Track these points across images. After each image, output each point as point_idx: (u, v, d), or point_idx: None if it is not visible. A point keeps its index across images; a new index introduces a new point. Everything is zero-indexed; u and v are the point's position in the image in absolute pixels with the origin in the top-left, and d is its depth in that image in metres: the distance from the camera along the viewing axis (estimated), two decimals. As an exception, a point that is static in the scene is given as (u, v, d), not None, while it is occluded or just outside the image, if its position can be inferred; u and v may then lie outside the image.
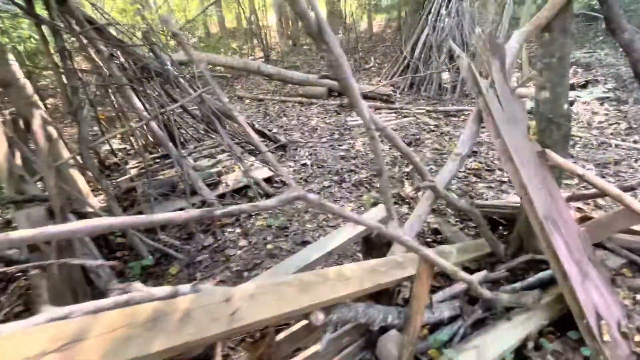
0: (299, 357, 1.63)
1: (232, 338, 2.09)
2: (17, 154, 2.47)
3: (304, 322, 1.55)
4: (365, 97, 7.51)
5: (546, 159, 2.16)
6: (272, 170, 4.38)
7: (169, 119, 3.94)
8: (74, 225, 0.75)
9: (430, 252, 1.48)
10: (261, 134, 5.26)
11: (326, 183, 4.29)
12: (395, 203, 3.76)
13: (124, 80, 3.24)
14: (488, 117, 2.03)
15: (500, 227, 3.08)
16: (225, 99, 2.41)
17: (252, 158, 4.83)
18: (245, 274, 2.86)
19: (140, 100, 3.77)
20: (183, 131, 5.39)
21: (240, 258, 3.07)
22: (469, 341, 2.00)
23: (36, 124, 2.13)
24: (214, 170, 4.26)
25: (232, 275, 2.85)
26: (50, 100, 8.32)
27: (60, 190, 2.19)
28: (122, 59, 3.46)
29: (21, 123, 2.78)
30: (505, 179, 4.02)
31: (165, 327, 0.87)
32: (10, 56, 2.78)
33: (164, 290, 1.06)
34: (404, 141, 5.37)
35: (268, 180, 4.28)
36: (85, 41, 3.24)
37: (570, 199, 2.82)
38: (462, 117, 6.37)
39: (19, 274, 2.66)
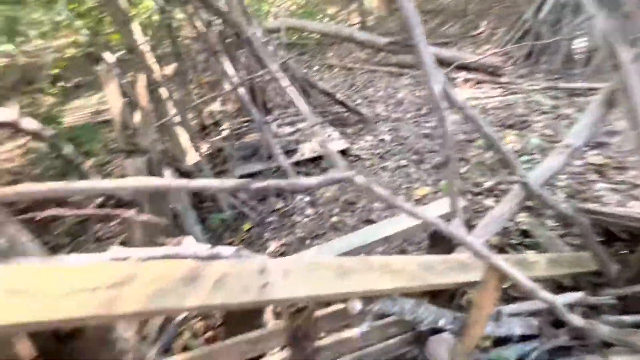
0: (338, 337, 1.62)
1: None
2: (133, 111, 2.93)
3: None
4: (466, 68, 6.58)
5: None
6: (348, 143, 4.30)
7: (257, 85, 4.14)
8: (131, 182, 0.82)
9: (501, 260, 1.24)
10: (342, 104, 5.15)
11: (403, 162, 4.02)
12: (480, 194, 3.30)
13: (220, 46, 3.49)
14: (626, 100, 1.52)
15: (619, 243, 2.43)
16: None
17: (331, 129, 4.81)
18: (308, 241, 2.95)
19: (233, 65, 4.03)
20: (270, 98, 5.66)
21: (306, 226, 3.18)
22: (542, 368, 1.69)
23: (140, 85, 2.47)
24: (292, 138, 4.40)
25: (296, 241, 2.98)
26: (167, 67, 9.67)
27: (160, 145, 2.53)
28: (219, 27, 3.71)
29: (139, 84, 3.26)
30: (642, 182, 3.11)
31: (199, 287, 0.93)
32: (134, 25, 3.23)
33: (208, 250, 1.13)
34: (505, 123, 4.61)
35: (343, 152, 4.22)
36: (191, 10, 3.55)
37: None
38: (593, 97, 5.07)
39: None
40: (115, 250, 1.02)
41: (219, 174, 4.00)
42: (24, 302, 0.75)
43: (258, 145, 4.13)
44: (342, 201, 3.41)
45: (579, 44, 6.40)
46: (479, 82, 6.15)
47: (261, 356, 1.66)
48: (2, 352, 0.89)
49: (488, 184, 3.37)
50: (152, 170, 2.40)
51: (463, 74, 6.35)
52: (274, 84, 5.52)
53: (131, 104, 2.93)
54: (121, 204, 2.60)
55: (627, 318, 1.83)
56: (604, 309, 2.00)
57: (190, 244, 1.13)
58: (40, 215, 0.79)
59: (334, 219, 3.18)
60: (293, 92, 3.89)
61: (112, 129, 5.87)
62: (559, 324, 1.91)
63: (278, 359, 1.53)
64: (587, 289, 2.08)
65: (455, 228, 1.14)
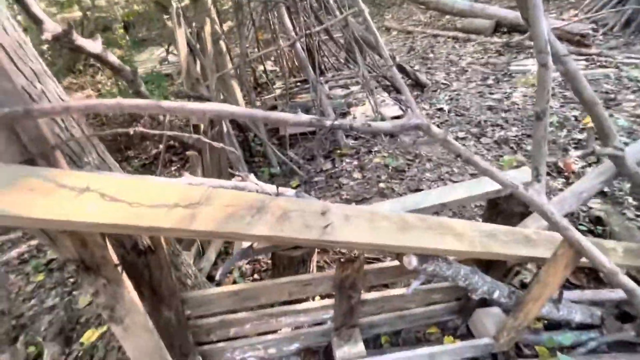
0: (382, 293, 1.63)
1: (322, 249, 2.27)
2: (197, 61, 3.02)
3: (396, 262, 1.50)
4: (547, 35, 5.79)
5: None
6: (402, 109, 4.09)
7: (313, 44, 4.02)
8: (206, 106, 0.84)
9: (581, 236, 1.12)
10: (400, 68, 4.85)
11: (461, 134, 3.75)
12: (549, 174, 3.00)
13: (280, -2, 3.39)
14: None
15: None
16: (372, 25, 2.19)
17: (385, 94, 4.60)
18: (353, 204, 2.94)
19: (291, 21, 3.93)
20: (325, 59, 5.50)
21: (352, 189, 3.16)
22: (600, 358, 1.58)
23: (207, 32, 2.50)
24: (345, 100, 4.28)
25: (341, 202, 2.98)
26: (228, 23, 9.72)
27: (220, 95, 2.59)
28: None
29: (203, 35, 3.32)
30: None
31: (264, 218, 0.96)
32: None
33: (272, 188, 1.15)
34: (587, 99, 4.05)
35: (397, 118, 4.04)
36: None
37: None
38: None
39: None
40: (189, 177, 1.08)
41: (270, 132, 4.07)
42: (115, 207, 0.82)
43: (310, 105, 4.09)
44: (392, 168, 3.31)
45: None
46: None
47: (306, 299, 1.74)
48: (93, 256, 1.00)
49: (574, 154, 3.03)
50: (213, 119, 2.49)
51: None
52: (330, 44, 5.34)
53: (194, 54, 3.01)
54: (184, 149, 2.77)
55: None
56: (686, 311, 1.78)
57: (255, 181, 1.16)
58: (128, 130, 0.84)
59: (382, 184, 3.11)
60: (354, 53, 3.72)
61: (175, 80, 6.17)
62: (625, 318, 1.75)
63: (323, 303, 1.59)
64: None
65: (536, 193, 1.03)
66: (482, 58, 5.83)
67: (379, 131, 0.94)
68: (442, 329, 1.86)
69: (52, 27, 1.26)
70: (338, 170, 3.41)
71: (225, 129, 2.86)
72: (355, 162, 3.50)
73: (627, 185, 2.64)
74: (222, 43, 3.68)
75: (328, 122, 0.90)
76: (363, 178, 3.26)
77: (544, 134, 0.95)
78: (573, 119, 3.67)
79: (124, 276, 1.09)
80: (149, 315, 1.24)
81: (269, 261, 2.41)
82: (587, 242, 1.12)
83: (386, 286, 2.00)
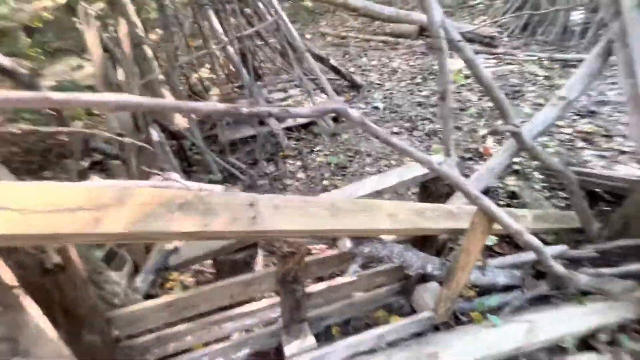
0: (327, 283, 1.65)
1: (269, 251, 2.23)
2: (116, 67, 2.79)
3: (337, 251, 1.53)
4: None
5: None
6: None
7: (247, 48, 3.98)
8: (105, 97, 0.78)
9: (491, 204, 1.25)
10: (336, 71, 5.02)
11: (396, 129, 3.99)
12: (471, 159, 3.33)
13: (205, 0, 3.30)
14: (622, 48, 1.50)
15: (602, 203, 2.50)
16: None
17: (324, 95, 4.71)
18: (299, 204, 2.95)
19: (221, 25, 3.85)
20: (262, 64, 5.47)
21: (297, 189, 3.17)
22: (522, 314, 1.77)
23: (122, 32, 2.33)
24: (284, 103, 4.29)
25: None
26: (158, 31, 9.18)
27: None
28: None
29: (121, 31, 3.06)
30: (628, 149, 3.17)
31: (187, 214, 0.91)
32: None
33: (198, 185, 1.10)
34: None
35: (336, 119, 4.16)
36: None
37: None
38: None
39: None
40: (98, 179, 0.98)
41: (208, 139, 3.91)
42: (7, 216, 0.72)
43: (248, 110, 4.02)
44: (334, 165, 3.39)
45: (576, 16, 6.32)
46: (474, 53, 6.04)
47: (252, 300, 1.68)
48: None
49: (480, 148, 3.38)
50: (138, 125, 2.31)
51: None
52: (265, 49, 5.33)
53: (113, 59, 2.78)
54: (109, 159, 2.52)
55: (605, 270, 1.90)
56: (584, 262, 2.08)
57: (178, 179, 1.10)
58: (13, 129, 0.74)
59: (326, 182, 3.17)
60: (289, 56, 3.75)
61: (99, 91, 5.63)
62: (540, 275, 1.99)
63: (268, 302, 1.55)
64: (569, 246, 2.16)
65: (448, 167, 1.13)
66: (410, 59, 6.29)
67: (298, 116, 0.95)
68: (389, 311, 1.93)
69: None
70: (282, 172, 3.40)
71: (156, 137, 2.68)
72: (299, 163, 3.53)
73: (534, 163, 3.03)
74: (146, 48, 3.46)
75: (245, 110, 0.89)
76: (307, 177, 3.29)
77: (449, 113, 1.05)
78: (489, 109, 4.11)
79: (27, 300, 0.95)
80: (67, 342, 1.10)
81: (214, 271, 2.30)
82: (496, 208, 1.25)
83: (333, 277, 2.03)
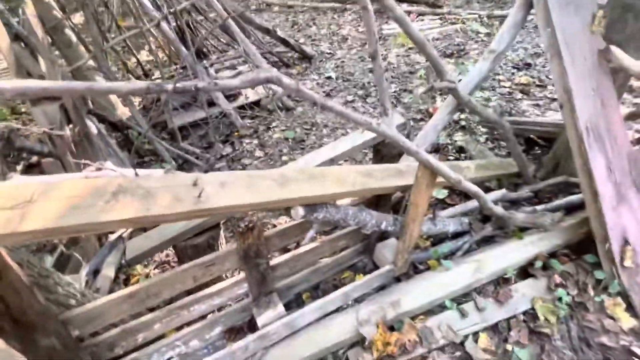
0: (290, 253, 1.69)
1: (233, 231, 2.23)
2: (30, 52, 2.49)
3: (297, 221, 1.56)
4: (409, 1, 6.47)
5: (609, 59, 1.73)
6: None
7: (185, 24, 3.71)
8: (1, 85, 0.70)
9: (431, 158, 1.33)
10: (285, 43, 4.86)
11: (350, 97, 4.02)
12: (422, 120, 3.46)
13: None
14: (539, -1, 1.59)
15: (537, 148, 2.75)
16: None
17: (274, 70, 4.57)
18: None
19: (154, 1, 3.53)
20: (205, 42, 5.15)
21: (256, 168, 3.13)
22: (471, 255, 1.95)
23: (29, 13, 2.07)
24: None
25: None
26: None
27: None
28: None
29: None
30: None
31: (123, 201, 0.88)
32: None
33: (134, 171, 1.06)
34: (444, 52, 4.71)
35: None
36: None
37: (632, 116, 2.36)
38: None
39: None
40: (18, 177, 0.91)
41: (156, 127, 3.70)
42: None
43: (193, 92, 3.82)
44: (292, 140, 3.37)
45: (512, -29, 6.53)
46: (420, 14, 6.11)
47: (218, 279, 1.70)
48: None
49: (430, 109, 3.51)
50: (69, 118, 2.12)
51: (404, 7, 6.24)
52: (207, 25, 5.00)
53: (29, 47, 2.48)
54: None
55: (539, 207, 2.13)
56: (522, 202, 2.31)
57: (112, 167, 1.05)
58: None
59: (285, 157, 3.17)
60: (231, 31, 3.56)
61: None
62: (485, 220, 2.18)
63: (234, 279, 1.58)
64: (509, 190, 2.37)
65: (386, 126, 1.18)
66: (359, 25, 6.23)
67: (227, 88, 0.93)
68: (354, 271, 2.04)
69: None
70: (239, 152, 3.33)
71: (94, 130, 2.48)
72: (256, 141, 3.47)
73: (478, 118, 3.22)
74: (69, 32, 3.11)
75: (169, 86, 0.85)
76: (265, 155, 3.26)
77: (381, 72, 1.07)
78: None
79: (-39, 313, 0.89)
80: (23, 349, 1.06)
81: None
82: (435, 161, 1.34)
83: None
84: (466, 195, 2.58)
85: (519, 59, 4.21)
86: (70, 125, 2.14)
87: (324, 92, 4.22)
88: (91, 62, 3.16)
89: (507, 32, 1.73)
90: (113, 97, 3.74)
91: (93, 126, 2.48)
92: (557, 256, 1.90)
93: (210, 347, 1.67)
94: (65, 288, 1.38)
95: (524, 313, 1.70)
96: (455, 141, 2.98)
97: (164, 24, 3.08)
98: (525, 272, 1.88)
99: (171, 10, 2.89)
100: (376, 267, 2.02)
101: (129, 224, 0.88)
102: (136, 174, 0.99)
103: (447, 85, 1.57)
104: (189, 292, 1.54)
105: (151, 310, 1.48)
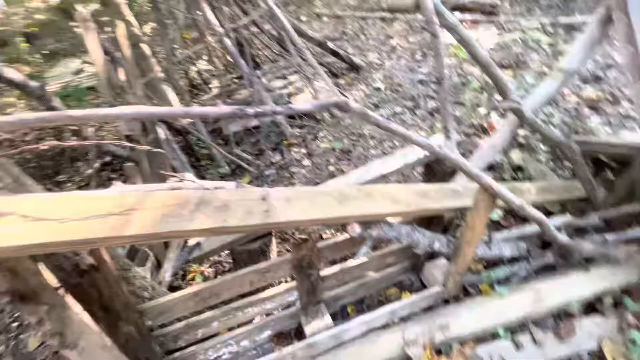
0: (340, 265, 1.73)
1: (282, 238, 2.32)
2: (118, 68, 2.82)
3: (348, 235, 1.60)
4: (462, 8, 6.27)
5: None
6: (343, 94, 4.21)
7: (243, 37, 3.96)
8: (120, 110, 0.83)
9: (492, 181, 1.30)
10: (334, 53, 4.96)
11: (398, 109, 3.98)
12: (475, 135, 3.33)
13: (200, -7, 3.28)
14: (621, 15, 1.48)
15: (607, 170, 2.51)
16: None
17: (343, 96, 4.69)
18: (306, 191, 3.01)
19: (216, 16, 3.81)
20: (259, 52, 5.42)
21: (304, 176, 3.23)
22: (529, 283, 1.84)
23: (120, 34, 2.35)
24: (284, 91, 4.29)
25: (295, 191, 3.04)
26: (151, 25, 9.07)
27: (152, 102, 2.48)
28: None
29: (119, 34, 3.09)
30: (634, 114, 3.13)
31: (204, 211, 0.98)
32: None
33: (211, 183, 1.17)
34: (501, 63, 4.50)
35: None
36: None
37: None
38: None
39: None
40: (120, 185, 1.05)
41: (212, 132, 3.97)
42: (41, 226, 0.80)
43: (250, 100, 4.04)
44: (339, 150, 3.43)
45: (581, -25, 6.05)
46: (475, 22, 5.89)
47: (270, 285, 1.78)
48: (27, 284, 0.95)
49: (484, 124, 3.37)
50: (145, 125, 2.37)
51: (457, 15, 6.06)
52: (262, 37, 5.27)
53: (113, 60, 2.82)
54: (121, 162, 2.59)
55: (610, 237, 1.95)
56: (589, 230, 2.13)
57: (193, 179, 1.17)
58: (41, 145, 0.81)
59: (331, 167, 3.22)
60: (285, 43, 3.72)
61: (100, 92, 5.69)
62: (546, 246, 2.04)
63: (285, 287, 1.65)
64: (574, 215, 2.20)
65: (448, 150, 1.17)
66: (409, 35, 6.16)
67: (300, 112, 1.00)
68: (400, 288, 2.02)
69: None
70: (288, 160, 3.46)
71: (162, 136, 2.74)
72: (304, 150, 3.57)
73: (539, 136, 3.03)
74: (144, 46, 3.47)
75: (250, 111, 0.94)
76: (312, 164, 3.35)
77: (446, 96, 1.08)
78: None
79: (69, 299, 1.04)
80: (107, 334, 1.21)
81: (231, 261, 2.41)
82: (497, 184, 1.30)
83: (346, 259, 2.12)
84: (523, 218, 2.44)
85: (588, 72, 3.88)
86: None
87: (371, 103, 4.23)
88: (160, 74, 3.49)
89: (580, 50, 1.63)
90: (175, 103, 4.07)
91: (161, 132, 2.74)
92: (631, 293, 1.73)
93: (259, 349, 1.76)
94: (140, 281, 1.55)
95: (589, 353, 1.57)
96: (512, 159, 2.83)
97: (225, 39, 3.31)
98: (591, 307, 1.74)
99: (233, 26, 3.10)
100: (423, 286, 1.99)
101: (209, 233, 0.98)
102: (215, 187, 1.09)
103: (511, 105, 1.52)
104: (241, 296, 1.64)
105: (210, 309, 1.60)
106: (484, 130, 3.36)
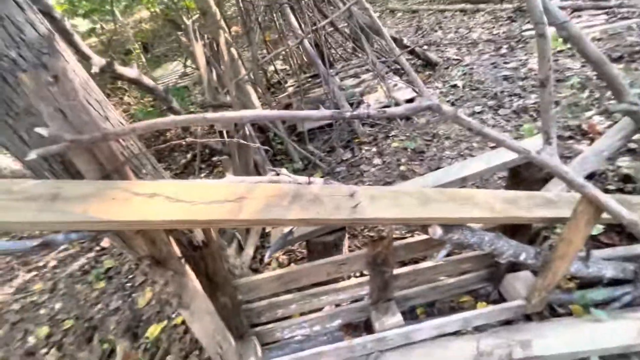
0: (413, 266, 1.74)
1: (352, 235, 2.39)
2: (214, 70, 3.20)
3: (424, 236, 1.60)
4: (561, -6, 5.54)
5: None
6: (415, 91, 4.10)
7: (320, 38, 4.11)
8: (243, 113, 0.98)
9: (598, 192, 1.18)
10: (410, 51, 4.83)
11: (478, 108, 3.74)
12: (571, 137, 2.97)
13: (284, -1, 3.50)
14: None
15: None
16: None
17: (397, 78, 4.61)
18: (376, 189, 3.04)
19: (297, 19, 4.03)
20: (333, 51, 5.56)
21: (374, 175, 3.25)
22: (635, 312, 1.61)
23: (222, 42, 2.66)
24: (357, 89, 4.34)
25: (364, 189, 3.09)
26: (233, 28, 9.91)
27: (238, 100, 2.76)
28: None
29: (215, 46, 3.50)
30: None
31: (300, 203, 1.10)
32: (206, -14, 3.38)
33: (303, 179, 1.29)
34: (609, 56, 3.89)
35: (411, 101, 4.06)
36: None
37: None
38: None
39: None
40: (231, 177, 1.23)
41: (288, 129, 4.22)
42: (179, 206, 0.99)
43: (324, 99, 4.19)
44: (411, 150, 3.37)
45: None
46: (576, 10, 5.16)
47: (342, 278, 1.88)
48: (161, 252, 1.18)
49: (584, 125, 2.98)
50: (236, 123, 2.65)
51: (556, 1, 5.38)
52: (336, 35, 5.39)
53: (211, 65, 3.19)
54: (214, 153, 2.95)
55: None
56: None
57: (287, 174, 1.30)
58: (171, 144, 1.00)
59: (402, 167, 3.19)
60: (361, 41, 3.77)
61: (192, 91, 6.45)
62: (661, 271, 1.76)
63: (358, 281, 1.72)
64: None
65: (548, 156, 1.10)
66: (494, 27, 5.67)
67: (393, 116, 1.04)
68: (475, 297, 1.94)
69: (98, 61, 1.45)
70: (358, 158, 3.51)
71: (247, 132, 3.03)
72: (374, 149, 3.59)
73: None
74: (233, 50, 3.85)
75: (347, 114, 1.02)
76: (383, 163, 3.35)
77: (550, 100, 1.02)
78: (595, 78, 3.55)
79: (187, 268, 1.26)
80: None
81: (304, 250, 2.57)
82: (604, 196, 1.17)
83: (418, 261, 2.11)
84: (630, 236, 2.12)
85: None
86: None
87: (448, 101, 4.04)
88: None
89: None
90: (256, 102, 4.43)
91: (247, 129, 3.02)
92: None
93: (329, 335, 1.87)
94: (232, 260, 1.77)
95: None
96: (619, 167, 2.46)
97: (305, 41, 3.49)
98: None
99: (313, 27, 3.25)
100: (502, 298, 1.88)
101: (303, 224, 1.09)
102: (309, 182, 1.21)
103: (627, 108, 1.34)
104: (315, 285, 1.76)
105: (288, 292, 1.75)
106: (583, 133, 2.97)
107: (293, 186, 1.15)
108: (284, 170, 1.30)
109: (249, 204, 1.05)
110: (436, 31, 6.35)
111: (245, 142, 1.54)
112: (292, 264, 2.60)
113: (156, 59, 8.72)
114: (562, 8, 5.21)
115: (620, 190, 2.34)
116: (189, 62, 5.29)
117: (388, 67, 4.83)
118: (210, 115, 0.95)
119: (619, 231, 2.12)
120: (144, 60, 6.77)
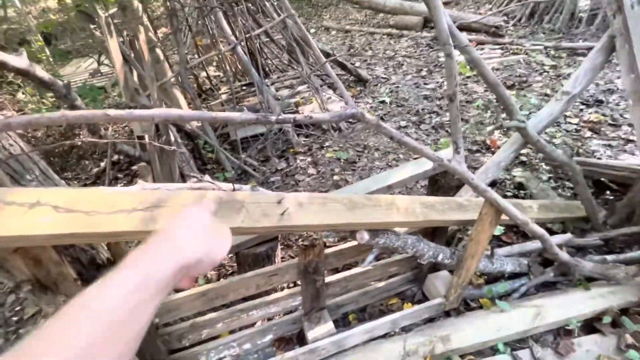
0: (344, 273, 1.76)
1: (286, 245, 2.35)
2: (134, 71, 2.90)
3: (354, 242, 1.63)
4: (467, 29, 6.44)
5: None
6: (347, 104, 4.29)
7: (255, 46, 4.06)
8: (154, 111, 0.88)
9: (498, 196, 1.34)
10: (342, 66, 5.07)
11: (403, 123, 4.06)
12: (478, 151, 3.39)
13: (215, 2, 3.38)
14: (624, 44, 1.55)
15: (608, 192, 2.57)
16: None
17: (330, 91, 4.78)
18: (311, 199, 3.05)
19: (230, 25, 3.92)
20: (269, 61, 5.54)
21: (308, 184, 3.27)
22: (529, 300, 1.86)
23: (142, 40, 2.43)
24: (292, 100, 4.38)
25: (299, 198, 3.08)
26: (162, 29, 9.27)
27: (165, 105, 2.54)
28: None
29: (136, 43, 3.20)
30: (634, 138, 3.20)
31: (222, 213, 1.02)
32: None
33: (228, 185, 1.21)
34: (505, 83, 4.60)
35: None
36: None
37: None
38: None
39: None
40: (143, 183, 1.09)
41: (220, 137, 4.03)
42: (71, 217, 0.83)
43: (258, 108, 4.12)
44: (344, 160, 3.48)
45: (583, 3, 6.25)
46: (480, 43, 6.04)
47: (274, 290, 1.80)
48: (49, 274, 0.99)
49: (487, 141, 3.44)
50: (158, 127, 2.43)
51: (464, 35, 6.21)
52: (271, 46, 5.39)
53: (130, 64, 2.90)
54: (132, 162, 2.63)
55: (609, 257, 1.98)
56: (589, 249, 2.16)
57: (210, 180, 1.21)
58: (75, 142, 0.85)
59: (336, 177, 3.27)
60: (296, 53, 3.83)
61: (109, 92, 5.78)
62: (546, 263, 2.07)
63: (289, 291, 1.67)
64: (574, 235, 2.23)
65: (456, 163, 1.22)
66: (415, 52, 6.30)
67: (319, 122, 1.04)
68: (402, 299, 2.04)
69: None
70: (293, 168, 3.50)
71: (172, 138, 2.79)
72: (309, 159, 3.62)
73: (541, 154, 3.09)
74: (158, 51, 3.57)
75: (273, 118, 0.99)
76: (317, 173, 3.39)
77: (457, 113, 1.13)
78: (495, 101, 4.15)
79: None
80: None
81: (234, 264, 2.43)
82: (502, 200, 1.34)
83: (349, 267, 2.15)
84: (524, 234, 2.48)
85: (589, 95, 3.98)
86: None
87: (377, 115, 4.31)
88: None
89: (583, 75, 1.70)
90: (185, 107, 4.15)
91: (172, 134, 2.79)
92: (630, 314, 1.75)
93: (260, 353, 1.77)
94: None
95: (588, 371, 1.58)
96: (514, 176, 2.88)
97: (238, 47, 3.40)
98: (590, 326, 1.76)
99: (247, 36, 3.20)
100: (425, 298, 2.01)
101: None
102: (234, 189, 1.13)
103: (517, 125, 1.57)
104: (244, 299, 1.66)
105: (214, 310, 1.61)
106: (487, 147, 3.42)
107: (216, 194, 1.07)
108: (206, 177, 1.21)
109: (164, 213, 0.94)
110: (367, 51, 6.81)
111: (167, 147, 1.41)
112: (222, 279, 2.43)
113: (65, 54, 7.64)
114: (469, 41, 6.04)
115: (515, 196, 2.73)
116: (104, 60, 4.74)
117: (322, 80, 4.99)
118: (113, 111, 0.83)
119: (516, 231, 2.46)
120: (48, 53, 5.86)
